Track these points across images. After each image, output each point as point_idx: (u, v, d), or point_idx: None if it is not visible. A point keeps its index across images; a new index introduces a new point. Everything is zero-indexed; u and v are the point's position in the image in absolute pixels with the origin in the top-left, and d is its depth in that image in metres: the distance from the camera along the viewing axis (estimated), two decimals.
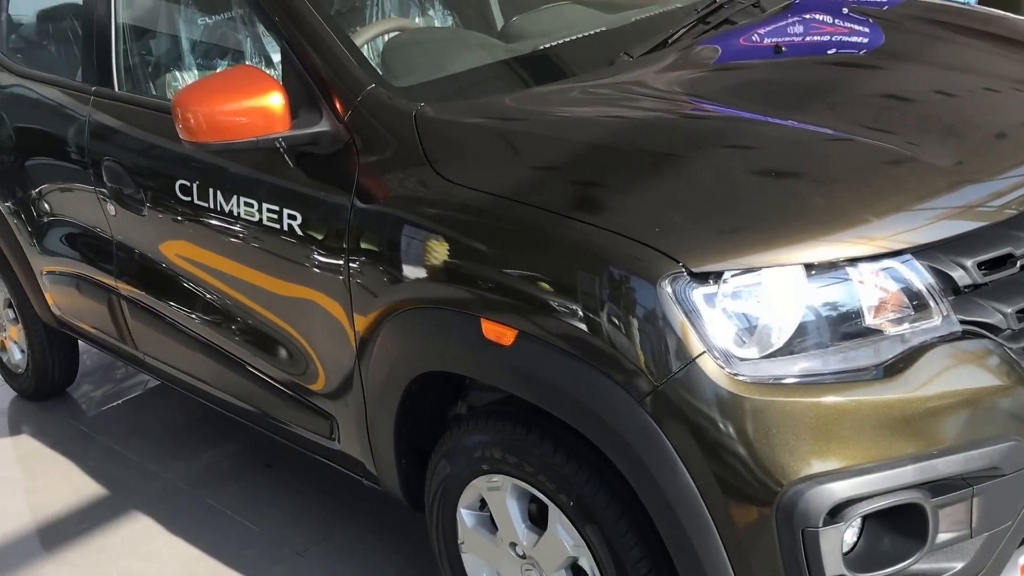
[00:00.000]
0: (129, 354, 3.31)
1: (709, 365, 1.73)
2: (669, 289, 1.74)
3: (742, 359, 1.74)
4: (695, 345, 1.73)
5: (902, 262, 1.79)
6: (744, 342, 1.75)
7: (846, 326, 1.77)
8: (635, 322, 1.78)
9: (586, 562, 2.04)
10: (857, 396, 1.73)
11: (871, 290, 1.78)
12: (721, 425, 1.72)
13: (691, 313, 1.74)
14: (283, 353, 2.59)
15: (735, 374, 1.73)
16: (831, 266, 1.77)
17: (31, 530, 3.24)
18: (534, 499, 2.11)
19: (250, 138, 2.27)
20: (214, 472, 3.37)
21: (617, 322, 1.79)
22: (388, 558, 2.86)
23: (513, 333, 1.94)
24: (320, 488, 3.18)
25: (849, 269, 1.77)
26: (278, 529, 3.03)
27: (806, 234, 1.78)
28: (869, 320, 1.77)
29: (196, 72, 3.03)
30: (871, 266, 1.78)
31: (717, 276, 1.75)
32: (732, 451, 1.72)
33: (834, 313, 1.77)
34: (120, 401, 4.00)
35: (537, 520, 2.13)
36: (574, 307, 1.84)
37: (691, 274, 1.74)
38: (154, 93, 3.03)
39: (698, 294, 1.75)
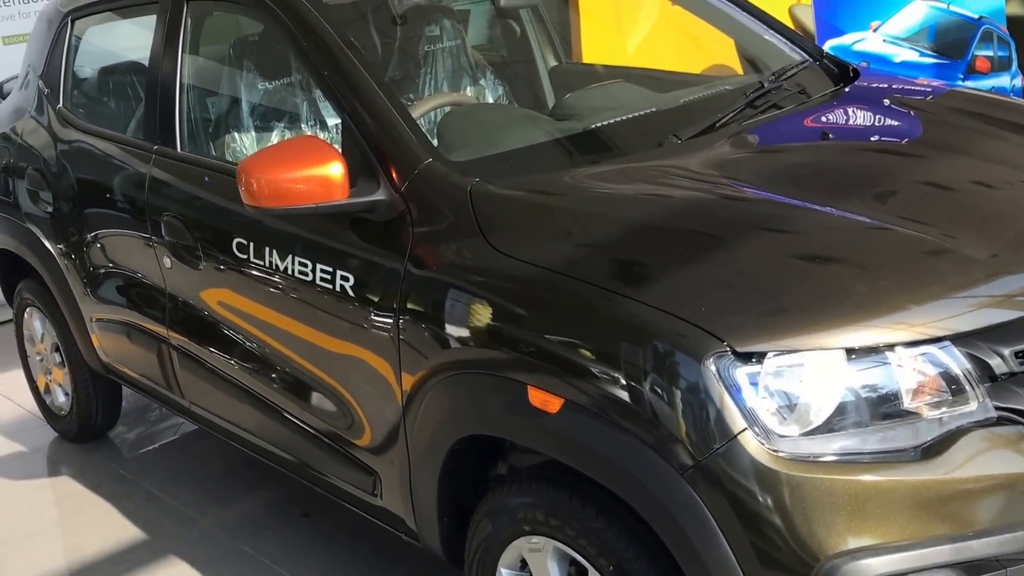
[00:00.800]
0: (175, 402, 3.39)
1: (750, 442, 1.79)
2: (713, 367, 1.81)
3: (782, 436, 1.80)
4: (737, 422, 1.80)
5: (940, 348, 1.85)
6: (784, 419, 1.81)
7: (885, 408, 1.83)
8: (679, 397, 1.84)
9: None
10: (894, 476, 1.79)
11: (910, 374, 1.84)
12: (760, 499, 1.78)
13: (734, 391, 1.80)
14: (330, 407, 2.66)
15: (775, 451, 1.79)
16: (871, 350, 1.83)
17: (68, 572, 3.30)
18: (574, 562, 2.16)
19: (310, 205, 2.36)
20: (252, 519, 3.43)
21: (662, 396, 1.86)
22: None
23: (559, 401, 2.01)
24: (355, 541, 3.23)
25: (888, 354, 1.83)
26: None
27: (847, 319, 1.84)
28: (907, 403, 1.83)
29: (256, 135, 3.14)
30: (910, 351, 1.84)
31: (760, 356, 1.82)
32: (770, 525, 1.78)
33: (873, 395, 1.83)
34: (158, 445, 4.08)
35: None
36: (620, 380, 1.91)
37: (735, 353, 1.81)
38: (214, 154, 3.13)
39: (741, 373, 1.81)
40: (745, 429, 1.79)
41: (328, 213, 2.42)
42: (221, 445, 3.89)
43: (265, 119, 3.25)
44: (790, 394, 1.81)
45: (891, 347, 1.83)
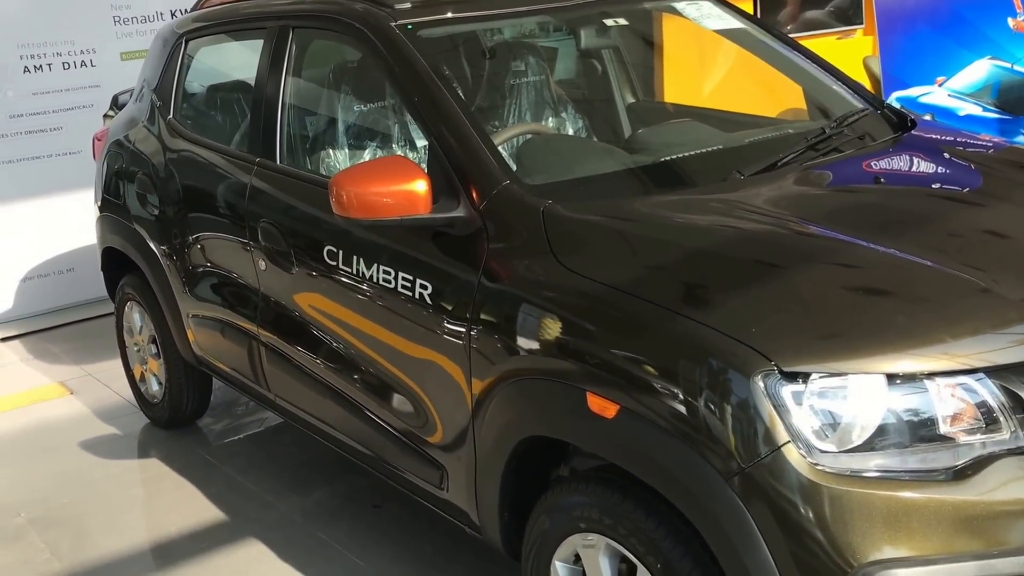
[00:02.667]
0: (261, 395, 3.55)
1: (793, 454, 1.88)
2: (761, 384, 1.91)
3: (823, 451, 1.88)
4: (781, 435, 1.89)
5: (976, 379, 1.93)
6: (826, 437, 1.89)
7: (922, 431, 1.91)
8: (728, 410, 1.94)
9: None
10: (927, 494, 1.87)
11: (947, 401, 1.92)
12: (800, 508, 1.87)
13: (779, 407, 1.90)
14: (404, 405, 2.79)
15: (816, 464, 1.88)
16: (911, 377, 1.91)
17: (153, 546, 3.47)
18: (624, 559, 2.26)
19: (394, 217, 2.51)
20: (326, 508, 3.57)
21: (712, 408, 1.96)
22: None
23: (616, 408, 2.12)
24: (421, 534, 3.36)
25: (927, 382, 1.91)
26: (381, 566, 3.21)
27: (890, 347, 1.93)
28: (943, 428, 1.91)
29: (349, 151, 3.30)
30: (947, 380, 1.92)
31: (805, 376, 1.91)
32: (807, 532, 1.86)
33: (912, 419, 1.91)
34: (243, 435, 4.26)
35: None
36: (674, 391, 2.01)
37: (782, 372, 1.90)
38: (310, 168, 3.31)
39: (787, 391, 1.90)
40: (788, 442, 1.88)
41: (411, 226, 2.57)
42: (301, 439, 4.07)
43: (358, 138, 3.42)
44: (834, 413, 1.90)
45: (930, 376, 1.92)
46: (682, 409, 2.00)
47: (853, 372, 1.90)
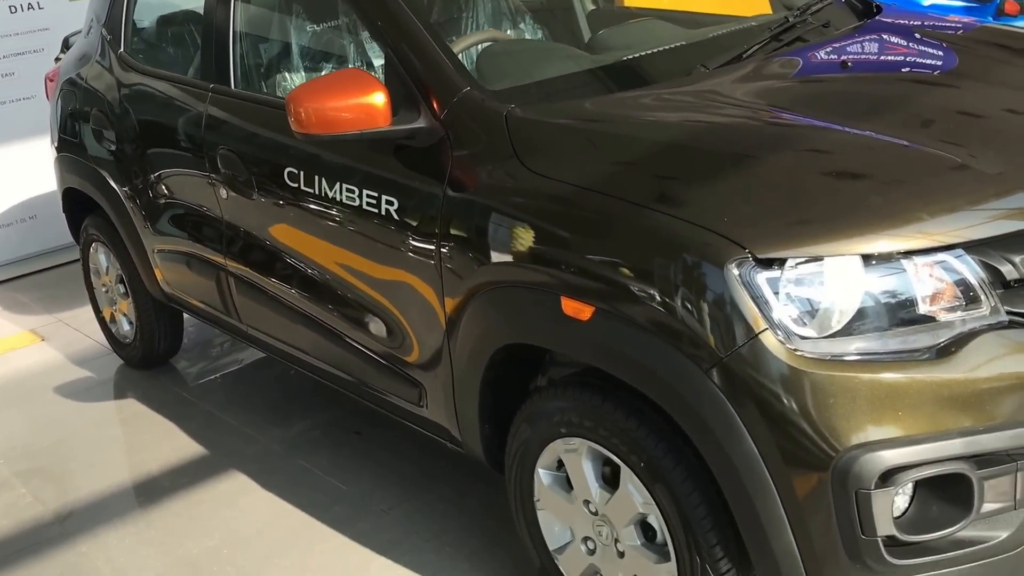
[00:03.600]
0: (233, 326, 3.47)
1: (771, 341, 1.82)
2: (735, 272, 1.84)
3: (803, 337, 1.83)
4: (759, 322, 1.83)
5: (955, 256, 1.87)
6: (805, 323, 1.84)
7: (901, 312, 1.85)
8: (704, 301, 1.88)
9: (655, 520, 2.15)
10: (910, 374, 1.82)
11: (925, 280, 1.86)
12: (782, 395, 1.82)
13: (755, 294, 1.84)
14: (379, 326, 2.72)
15: (796, 350, 1.82)
16: (888, 258, 1.85)
17: (135, 484, 3.41)
18: (607, 461, 2.22)
19: (354, 131, 2.40)
20: (308, 438, 3.52)
21: (688, 301, 1.89)
22: (467, 516, 2.98)
23: (590, 309, 2.05)
24: (405, 456, 3.31)
25: (904, 261, 1.85)
26: (365, 489, 3.16)
27: (865, 228, 1.86)
28: (923, 308, 1.85)
29: (304, 74, 3.18)
30: (925, 259, 1.86)
31: (781, 262, 1.84)
32: (791, 419, 1.82)
33: (890, 300, 1.85)
34: (220, 374, 4.18)
35: (610, 481, 2.24)
36: (648, 286, 1.94)
37: (756, 259, 1.84)
38: (266, 91, 3.18)
39: (762, 278, 1.84)
40: (766, 329, 1.83)
41: (372, 140, 2.46)
42: (280, 375, 4.02)
43: (313, 60, 3.28)
44: (811, 300, 1.84)
45: (907, 255, 1.85)
46: (657, 304, 1.93)
47: (829, 255, 1.84)
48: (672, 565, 2.12)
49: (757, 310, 1.83)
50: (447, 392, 2.55)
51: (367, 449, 3.40)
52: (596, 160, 2.18)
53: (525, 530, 2.49)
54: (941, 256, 1.87)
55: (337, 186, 2.66)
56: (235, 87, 3.15)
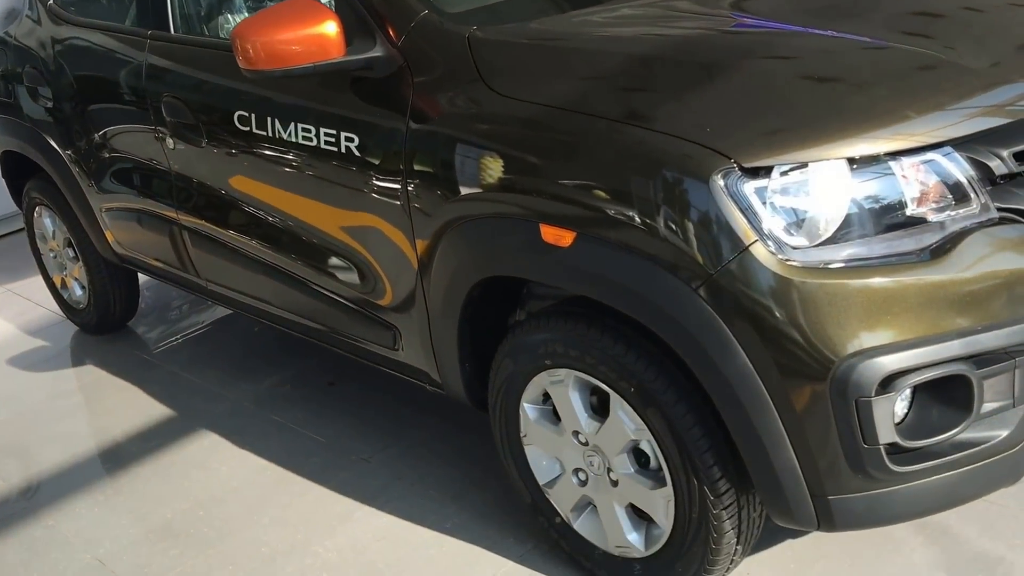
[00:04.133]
0: (191, 282, 3.34)
1: (761, 252, 1.75)
2: (721, 183, 1.76)
3: (793, 247, 1.76)
4: (747, 234, 1.76)
5: (943, 155, 1.80)
6: (794, 232, 1.77)
7: (890, 216, 1.79)
8: (689, 217, 1.80)
9: (647, 446, 2.09)
10: (903, 278, 1.76)
11: (913, 181, 1.80)
12: (775, 307, 1.75)
13: (742, 205, 1.76)
14: (347, 271, 2.62)
15: (786, 260, 1.75)
16: (874, 160, 1.78)
17: (100, 452, 3.30)
18: (595, 391, 2.15)
19: (306, 64, 2.28)
20: (278, 392, 3.42)
21: (671, 218, 1.81)
22: (449, 460, 2.92)
23: (571, 235, 1.97)
24: (380, 404, 3.23)
25: (891, 163, 1.79)
26: (343, 440, 3.08)
27: (849, 130, 1.79)
28: (912, 209, 1.79)
29: (247, 13, 3.02)
30: (912, 159, 1.80)
31: (767, 171, 1.77)
32: (785, 331, 1.75)
33: (878, 204, 1.79)
34: (180, 335, 4.06)
35: (598, 410, 2.17)
36: (629, 207, 1.86)
37: (742, 169, 1.76)
38: (208, 34, 3.03)
39: (749, 188, 1.76)
40: (756, 241, 1.76)
41: (327, 73, 2.34)
42: (244, 332, 3.90)
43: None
44: (798, 209, 1.77)
45: (893, 156, 1.79)
46: (640, 225, 1.85)
47: (815, 160, 1.76)
48: (668, 490, 2.07)
49: (746, 222, 1.76)
50: (423, 333, 2.46)
51: (340, 400, 3.31)
52: (565, 78, 2.08)
53: (513, 467, 2.43)
54: (928, 155, 1.80)
55: (292, 126, 2.53)
56: (175, 32, 2.99)
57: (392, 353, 2.64)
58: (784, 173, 1.77)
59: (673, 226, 1.81)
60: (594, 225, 1.92)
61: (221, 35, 3.01)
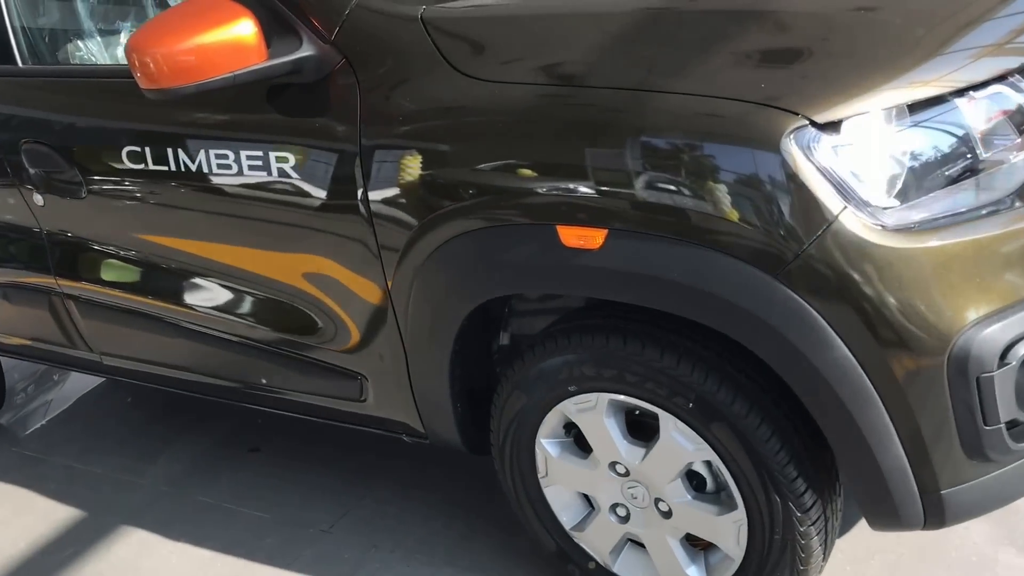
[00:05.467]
0: (79, 359, 2.81)
1: (852, 220, 1.47)
2: (794, 145, 1.47)
3: (885, 209, 1.48)
4: (834, 202, 1.47)
5: (1010, 86, 1.57)
6: (881, 194, 1.49)
7: (969, 161, 1.54)
8: (760, 191, 1.50)
9: (702, 467, 1.79)
10: (1002, 229, 1.52)
11: (987, 119, 1.55)
12: (876, 283, 1.47)
13: (823, 168, 1.47)
14: (296, 320, 2.19)
15: (880, 226, 1.47)
16: (942, 100, 1.53)
17: (5, 573, 2.73)
18: (631, 413, 1.83)
19: (225, 75, 1.85)
20: (196, 467, 2.92)
21: (737, 195, 1.51)
22: (428, 513, 2.53)
23: (602, 233, 1.63)
24: (320, 464, 2.80)
25: (961, 100, 1.54)
26: (292, 512, 2.64)
27: (917, 70, 1.53)
28: (991, 151, 1.55)
29: (101, 38, 2.53)
30: (982, 93, 1.55)
31: (835, 126, 1.49)
32: (891, 308, 1.48)
33: (956, 149, 1.54)
34: (55, 417, 3.46)
35: (638, 434, 1.85)
36: (676, 189, 1.55)
37: (815, 125, 1.47)
38: (71, 61, 2.52)
39: (826, 146, 1.48)
40: (845, 208, 1.47)
41: (247, 84, 1.90)
42: (117, 406, 3.36)
43: (107, 18, 2.64)
44: (879, 166, 1.50)
45: (960, 93, 1.53)
46: (695, 208, 1.54)
47: (887, 107, 1.50)
48: (739, 513, 1.77)
49: (830, 187, 1.47)
50: (399, 377, 2.07)
51: (272, 466, 2.86)
52: (561, 49, 1.73)
53: (531, 514, 2.07)
54: (997, 88, 1.56)
55: (202, 155, 2.09)
56: (24, 64, 2.47)
57: (357, 406, 2.23)
58: (857, 125, 1.48)
59: (740, 205, 1.51)
60: (631, 217, 1.59)
61: (73, 61, 2.52)
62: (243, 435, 3.02)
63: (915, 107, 1.51)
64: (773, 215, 1.49)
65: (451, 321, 1.90)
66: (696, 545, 1.92)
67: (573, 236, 1.66)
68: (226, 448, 2.99)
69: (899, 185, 1.50)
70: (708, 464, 1.81)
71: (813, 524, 1.72)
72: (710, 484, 1.83)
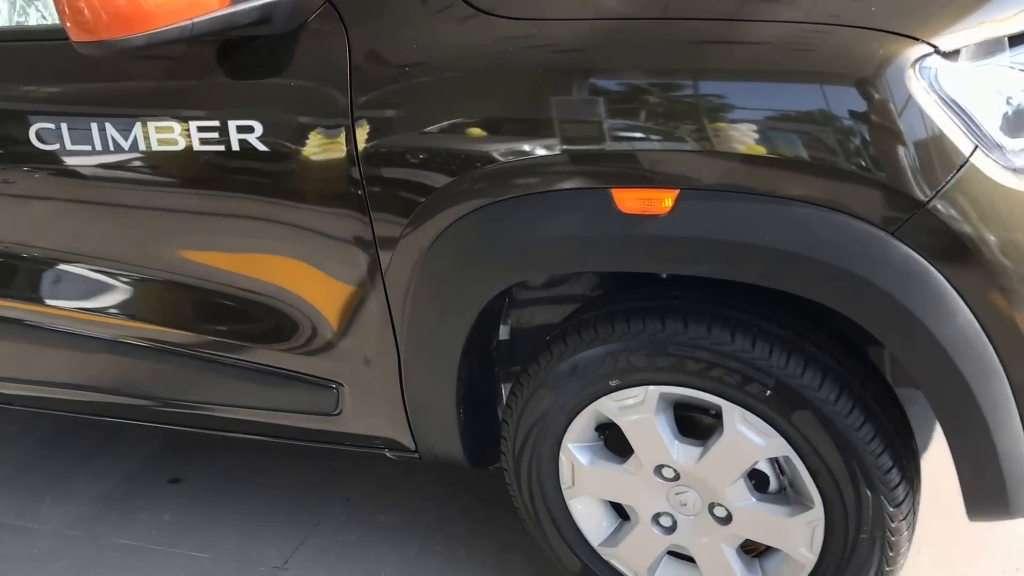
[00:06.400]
0: None
1: (985, 163, 1.27)
2: (918, 77, 1.25)
3: (1020, 150, 1.28)
4: (963, 143, 1.26)
5: None
6: (1015, 130, 1.29)
7: None
8: (875, 133, 1.28)
9: (765, 464, 1.56)
10: None
11: None
12: (1011, 236, 1.27)
13: (951, 102, 1.26)
14: (248, 322, 1.84)
15: (1013, 170, 1.27)
16: None
17: None
18: (682, 407, 1.59)
19: (181, 23, 1.50)
20: (109, 505, 2.48)
21: (848, 138, 1.29)
22: (396, 540, 2.20)
23: (671, 195, 1.37)
24: (259, 488, 2.43)
25: None
26: (235, 548, 2.25)
27: None
28: None
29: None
30: None
31: (955, 55, 1.28)
32: None
33: None
34: None
35: (690, 432, 1.60)
36: (773, 133, 1.31)
37: (941, 53, 1.26)
38: None
39: (953, 78, 1.27)
40: (976, 148, 1.26)
41: (205, 35, 1.55)
42: (23, 432, 2.86)
43: None
44: (1008, 100, 1.30)
45: None
46: (794, 157, 1.30)
47: (1015, 32, 1.30)
48: (815, 512, 1.54)
49: (959, 126, 1.26)
50: (387, 383, 1.75)
51: (199, 498, 2.45)
52: None
53: (551, 529, 1.79)
54: None
55: (137, 128, 1.71)
56: None
57: (328, 421, 1.88)
58: (987, 52, 1.28)
59: (850, 151, 1.28)
60: (711, 173, 1.34)
61: None
62: (158, 464, 2.60)
63: None
64: (891, 161, 1.27)
65: (466, 311, 1.60)
66: (749, 552, 1.68)
67: (633, 200, 1.40)
68: (140, 481, 2.56)
69: None
70: (773, 461, 1.58)
71: (904, 519, 1.52)
72: (774, 483, 1.60)
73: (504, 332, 1.81)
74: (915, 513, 1.55)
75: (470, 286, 1.57)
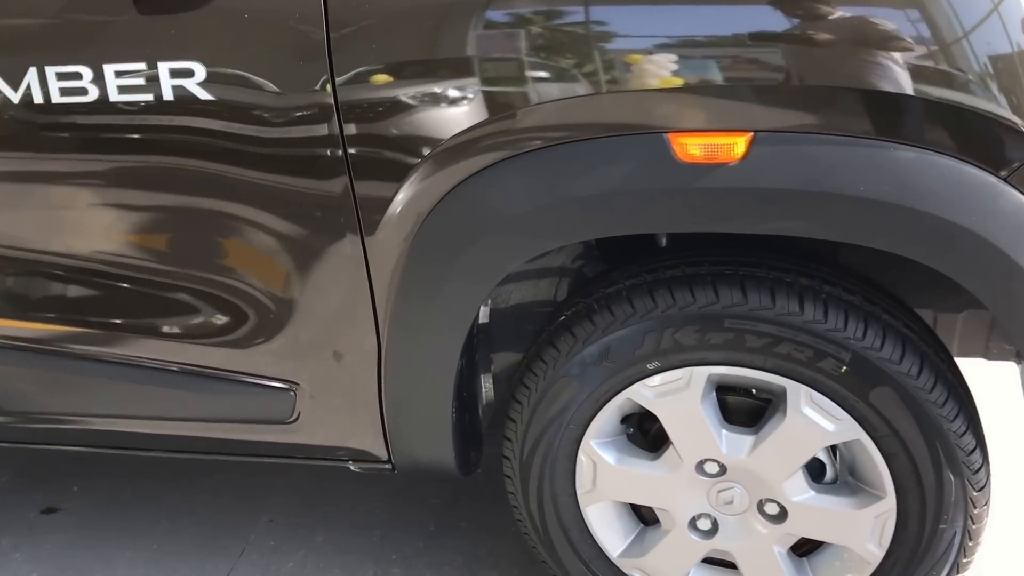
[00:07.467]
0: None
1: None
2: None
3: None
4: None
5: None
6: None
7: None
8: (988, 56, 1.12)
9: (824, 454, 1.41)
10: None
11: None
12: None
13: None
14: (186, 315, 1.53)
15: None
16: None
17: None
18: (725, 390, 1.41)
19: None
20: None
21: (952, 66, 1.12)
22: (339, 563, 1.93)
23: (743, 139, 1.18)
24: (157, 522, 2.10)
25: None
26: None
27: None
28: None
29: None
30: None
31: None
32: None
33: None
34: None
35: (736, 420, 1.42)
36: (865, 62, 1.13)
37: None
38: None
39: None
40: None
41: None
42: None
43: None
44: None
45: None
46: (893, 89, 1.12)
47: None
48: (887, 503, 1.38)
49: None
50: (359, 382, 1.49)
51: (84, 528, 2.09)
52: None
53: (563, 542, 1.56)
54: None
55: (31, 77, 1.39)
56: None
57: (280, 432, 1.59)
58: None
59: (959, 81, 1.11)
60: (793, 113, 1.16)
61: None
62: (24, 493, 2.23)
63: None
64: (1005, 91, 1.11)
65: (474, 291, 1.36)
66: (796, 551, 1.52)
67: (695, 146, 1.20)
68: (14, 514, 2.19)
69: None
70: (831, 449, 1.42)
71: (986, 505, 1.38)
72: (830, 473, 1.44)
73: (484, 314, 1.58)
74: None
75: (485, 257, 1.33)
